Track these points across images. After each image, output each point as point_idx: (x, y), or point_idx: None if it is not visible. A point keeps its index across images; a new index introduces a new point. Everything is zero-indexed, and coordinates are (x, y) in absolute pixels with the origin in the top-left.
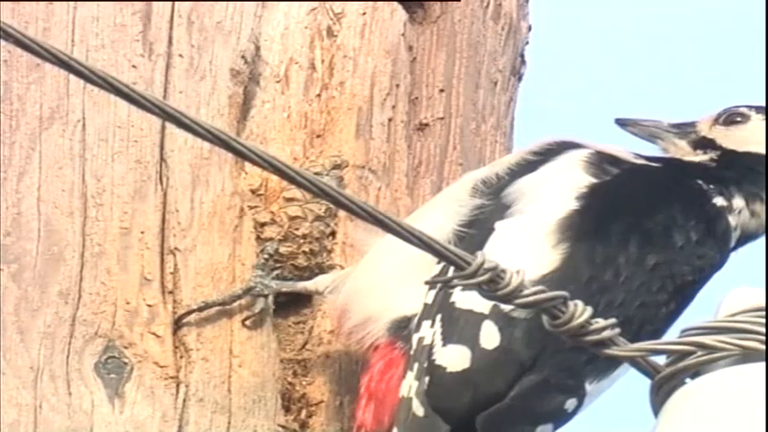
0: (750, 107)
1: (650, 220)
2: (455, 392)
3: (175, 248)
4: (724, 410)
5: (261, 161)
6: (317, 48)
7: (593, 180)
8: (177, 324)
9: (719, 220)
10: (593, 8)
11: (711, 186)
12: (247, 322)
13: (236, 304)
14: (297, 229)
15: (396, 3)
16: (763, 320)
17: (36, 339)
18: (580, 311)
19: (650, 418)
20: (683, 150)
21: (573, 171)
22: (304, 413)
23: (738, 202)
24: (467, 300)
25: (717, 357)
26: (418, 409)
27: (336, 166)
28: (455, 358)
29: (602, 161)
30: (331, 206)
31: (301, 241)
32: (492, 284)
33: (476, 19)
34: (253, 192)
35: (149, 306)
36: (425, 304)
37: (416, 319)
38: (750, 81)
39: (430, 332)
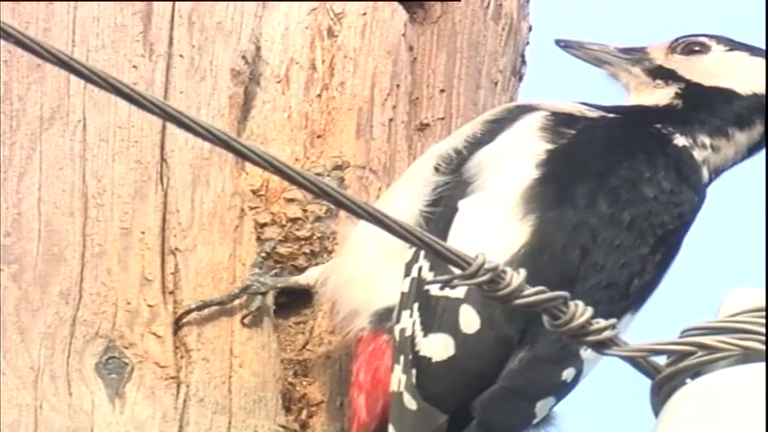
0: (708, 36)
1: (615, 177)
2: (445, 382)
3: (176, 249)
4: (724, 411)
5: (261, 161)
6: (317, 48)
7: (551, 145)
8: (177, 324)
9: (686, 161)
10: (593, 8)
11: (671, 129)
12: (246, 320)
13: (236, 304)
14: (297, 230)
15: (396, 3)
16: (764, 321)
17: (36, 340)
18: (581, 311)
19: (651, 418)
20: (639, 79)
21: (529, 138)
22: (305, 413)
23: (703, 139)
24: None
25: (717, 357)
26: (410, 403)
27: (337, 167)
28: (439, 347)
29: (557, 124)
30: (332, 207)
31: (302, 242)
32: (492, 284)
33: (476, 19)
34: (254, 192)
35: (150, 306)
36: (402, 293)
37: (396, 309)
38: None
39: (410, 322)
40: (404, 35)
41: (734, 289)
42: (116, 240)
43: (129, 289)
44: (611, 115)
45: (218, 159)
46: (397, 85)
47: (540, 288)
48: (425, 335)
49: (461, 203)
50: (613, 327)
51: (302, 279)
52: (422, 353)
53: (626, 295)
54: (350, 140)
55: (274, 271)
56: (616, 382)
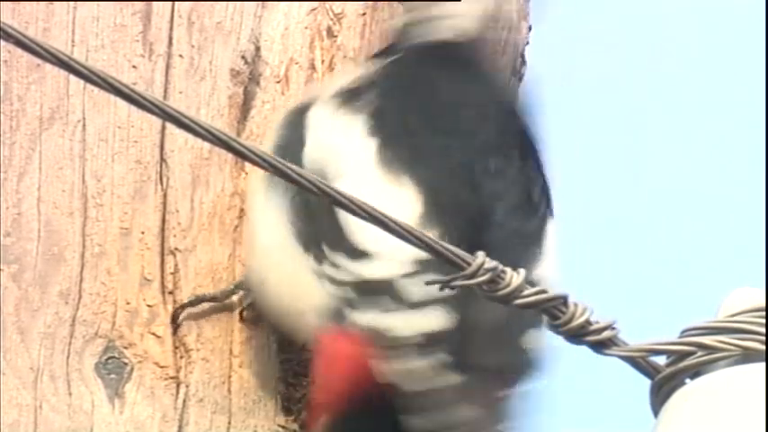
0: None
1: (435, 111)
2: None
3: (175, 249)
4: (724, 411)
5: (261, 161)
6: (317, 48)
7: (364, 115)
8: (174, 321)
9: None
10: (593, 8)
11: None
12: (245, 315)
13: (235, 302)
14: None
15: (396, 3)
16: (764, 321)
17: (36, 340)
18: (580, 311)
19: (650, 418)
20: None
21: (336, 122)
22: (305, 414)
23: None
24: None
25: (717, 358)
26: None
27: None
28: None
29: (347, 98)
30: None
31: None
32: (492, 285)
33: None
34: None
35: (149, 306)
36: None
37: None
38: (751, 79)
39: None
40: None
41: (734, 289)
42: (116, 240)
43: (128, 289)
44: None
45: (218, 159)
46: None
47: (540, 288)
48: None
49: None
50: (613, 327)
51: None
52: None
53: (536, 206)
54: None
55: None
56: (616, 382)
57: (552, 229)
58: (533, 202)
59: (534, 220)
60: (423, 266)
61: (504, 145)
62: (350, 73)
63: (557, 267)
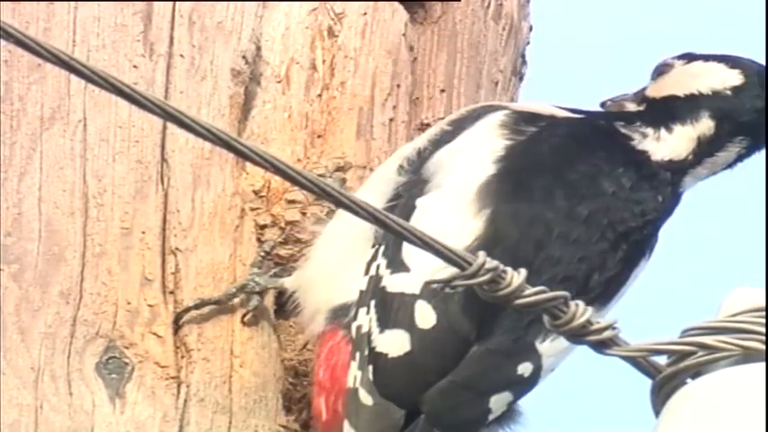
0: (679, 56)
1: (574, 172)
2: (401, 377)
3: (176, 248)
4: (725, 411)
5: (262, 161)
6: (317, 48)
7: (509, 142)
8: (176, 322)
9: (645, 162)
10: (594, 8)
11: (629, 129)
12: (246, 319)
13: (236, 302)
14: (298, 232)
15: (397, 3)
16: (764, 321)
17: (37, 339)
18: (581, 311)
19: (651, 418)
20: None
21: (488, 136)
22: (305, 413)
23: (648, 131)
24: (397, 283)
25: (717, 357)
26: (366, 399)
27: (339, 168)
28: (395, 343)
29: (518, 121)
30: (333, 208)
31: (302, 245)
32: (493, 285)
33: (477, 19)
34: (255, 193)
35: (150, 306)
36: (360, 291)
37: (354, 306)
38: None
39: (366, 319)
40: (404, 35)
41: (734, 289)
42: (116, 240)
43: (129, 289)
44: (576, 116)
45: (219, 159)
46: (398, 85)
47: (541, 288)
48: (382, 331)
49: (419, 201)
50: (613, 327)
51: (287, 283)
52: (378, 349)
53: (585, 290)
54: (350, 140)
55: (274, 270)
56: (616, 382)
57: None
58: (587, 285)
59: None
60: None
61: (606, 226)
62: (548, 106)
63: None
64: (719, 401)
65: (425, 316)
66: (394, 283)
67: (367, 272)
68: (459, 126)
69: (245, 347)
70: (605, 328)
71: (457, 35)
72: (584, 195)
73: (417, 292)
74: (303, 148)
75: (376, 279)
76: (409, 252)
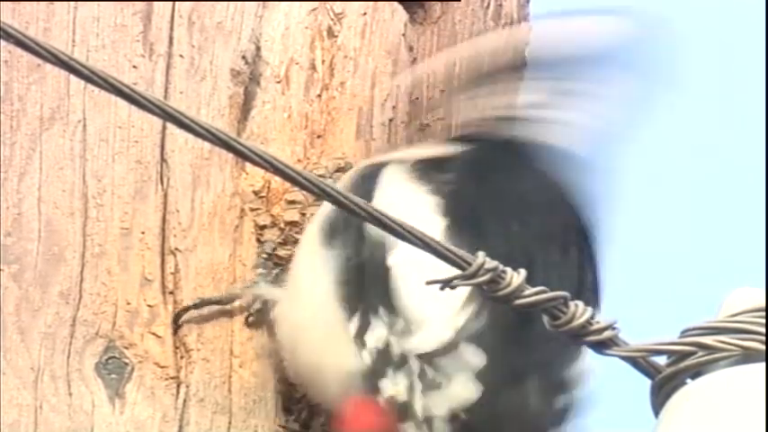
0: None
1: (507, 199)
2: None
3: (176, 249)
4: (725, 411)
5: (262, 161)
6: (317, 48)
7: (437, 192)
8: (176, 322)
9: (529, 147)
10: (594, 7)
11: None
12: (249, 320)
13: (235, 304)
14: (297, 232)
15: (396, 3)
16: (764, 321)
17: (37, 340)
18: (581, 312)
19: (651, 418)
20: None
21: (408, 192)
22: (305, 414)
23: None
24: (421, 345)
25: (717, 358)
26: None
27: (339, 169)
28: (460, 391)
29: (424, 172)
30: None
31: None
32: (493, 285)
33: (477, 19)
34: (255, 194)
35: (150, 306)
36: (367, 366)
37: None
38: (751, 79)
39: (401, 387)
40: (404, 35)
41: (734, 289)
42: (116, 240)
43: (129, 289)
44: (474, 145)
45: (219, 159)
46: (398, 85)
47: (541, 288)
48: (437, 389)
49: (391, 262)
50: (613, 327)
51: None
52: (442, 413)
53: (585, 299)
54: (350, 140)
55: (275, 271)
56: (616, 382)
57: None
58: (580, 297)
59: None
60: (464, 338)
61: (557, 234)
62: (432, 147)
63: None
64: (719, 401)
65: (472, 353)
66: (417, 347)
67: (363, 344)
68: (365, 182)
69: (244, 347)
70: (605, 329)
71: (457, 35)
72: (527, 215)
73: (453, 335)
74: (303, 148)
75: (384, 351)
76: (403, 304)
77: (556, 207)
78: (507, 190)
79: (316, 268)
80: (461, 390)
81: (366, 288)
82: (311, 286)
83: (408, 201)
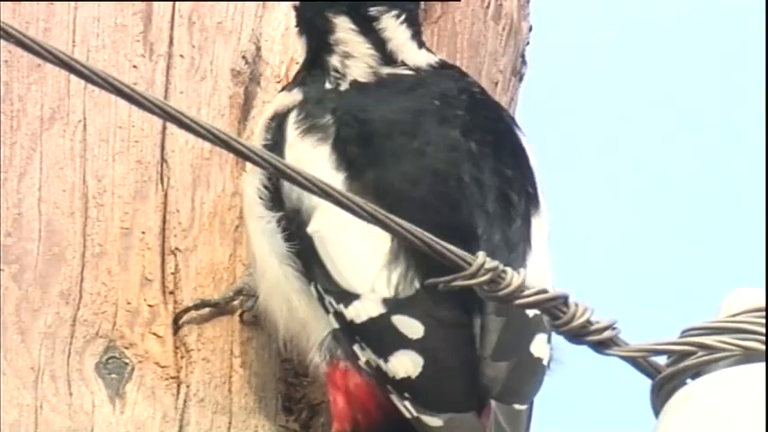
0: None
1: (399, 126)
2: (442, 387)
3: (176, 249)
4: (725, 411)
5: (262, 161)
6: None
7: (327, 146)
8: (175, 322)
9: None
10: (594, 8)
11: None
12: (245, 317)
13: (235, 304)
14: None
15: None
16: (764, 321)
17: (37, 340)
18: (581, 311)
19: (651, 418)
20: None
21: (304, 152)
22: (305, 414)
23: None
24: (360, 312)
25: (717, 358)
26: (434, 421)
27: None
28: (406, 364)
29: (308, 127)
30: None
31: None
32: (493, 285)
33: (476, 19)
34: None
35: (150, 306)
36: (335, 329)
37: (342, 342)
38: (751, 79)
39: (367, 354)
40: None
41: (734, 289)
42: (116, 240)
43: (129, 289)
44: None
45: (219, 159)
46: None
47: (541, 288)
48: (386, 360)
49: (310, 231)
50: (613, 327)
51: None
52: (399, 376)
53: (516, 207)
54: None
55: None
56: (616, 382)
57: (538, 224)
58: (513, 204)
59: (516, 223)
60: (408, 302)
61: (474, 151)
62: (286, 99)
63: (545, 264)
64: (719, 401)
65: (409, 327)
66: (357, 314)
67: (326, 309)
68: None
69: (245, 347)
70: (605, 329)
71: (456, 35)
72: (425, 131)
73: (384, 310)
74: None
75: (342, 316)
76: (334, 273)
77: (449, 120)
78: (391, 125)
79: (263, 245)
80: (406, 363)
81: (305, 258)
82: (266, 265)
83: (310, 166)
